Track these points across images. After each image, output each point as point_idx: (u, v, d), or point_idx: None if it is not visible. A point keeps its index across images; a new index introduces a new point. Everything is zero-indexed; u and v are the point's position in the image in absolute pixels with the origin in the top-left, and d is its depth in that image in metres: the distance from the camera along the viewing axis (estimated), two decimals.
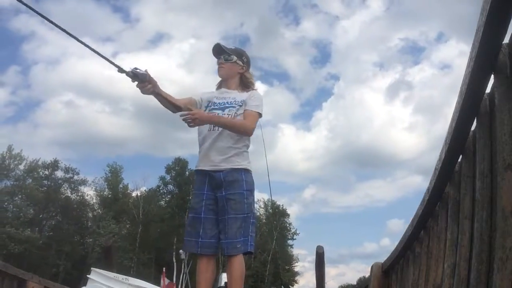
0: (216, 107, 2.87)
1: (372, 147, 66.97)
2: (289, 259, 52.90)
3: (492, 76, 1.42)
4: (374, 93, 72.86)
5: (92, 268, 3.48)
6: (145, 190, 44.80)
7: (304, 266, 56.17)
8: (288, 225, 53.17)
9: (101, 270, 3.53)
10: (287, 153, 69.21)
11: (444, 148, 1.85)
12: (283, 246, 51.19)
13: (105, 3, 77.17)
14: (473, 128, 1.68)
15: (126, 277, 3.55)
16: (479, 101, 1.55)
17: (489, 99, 1.52)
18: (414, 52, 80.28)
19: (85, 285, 3.38)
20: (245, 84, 2.95)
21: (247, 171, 2.75)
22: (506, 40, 1.32)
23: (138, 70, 2.54)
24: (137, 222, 41.43)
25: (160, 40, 79.46)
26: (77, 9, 61.10)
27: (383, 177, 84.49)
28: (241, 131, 2.76)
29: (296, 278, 53.37)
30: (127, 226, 42.06)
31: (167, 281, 8.08)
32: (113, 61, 2.50)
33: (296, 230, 54.09)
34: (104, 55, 2.49)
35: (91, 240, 39.69)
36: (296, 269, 54.17)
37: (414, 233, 2.66)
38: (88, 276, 3.41)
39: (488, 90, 1.51)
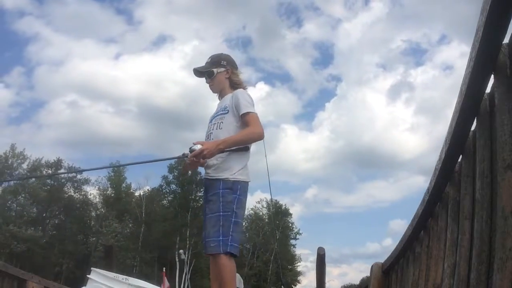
0: (210, 121, 2.95)
1: (374, 147, 67.19)
2: (292, 259, 52.92)
3: (492, 76, 1.42)
4: (376, 94, 73.21)
5: (92, 268, 3.49)
6: (148, 190, 44.94)
7: (307, 266, 56.25)
8: (290, 224, 53.23)
9: (101, 270, 3.54)
10: (290, 153, 69.41)
11: (444, 148, 1.85)
12: (286, 246, 51.22)
13: (109, 5, 77.82)
14: (473, 128, 1.68)
15: (126, 277, 3.56)
16: (479, 101, 1.55)
17: (489, 99, 1.51)
18: (416, 54, 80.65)
19: (85, 285, 3.39)
20: (234, 87, 2.95)
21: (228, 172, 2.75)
22: (506, 40, 1.32)
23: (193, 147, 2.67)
24: (140, 221, 41.51)
25: (163, 42, 79.82)
26: (80, 11, 61.39)
27: (385, 177, 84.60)
28: (253, 139, 2.77)
29: (298, 277, 53.46)
30: (130, 225, 42.13)
31: (166, 284, 8.07)
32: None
33: (299, 230, 54.20)
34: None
35: (94, 239, 39.79)
36: (298, 268, 54.32)
37: (414, 233, 2.65)
38: (88, 276, 3.41)
39: (488, 90, 1.51)
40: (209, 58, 3.00)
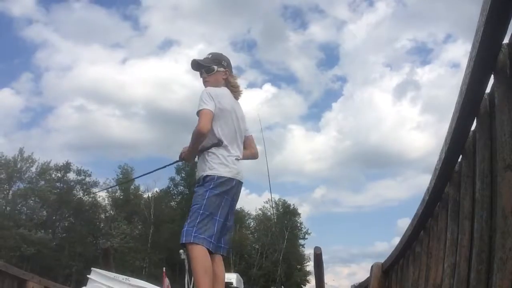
0: None
1: (382, 147, 67.18)
2: (301, 259, 52.82)
3: (492, 76, 1.42)
4: (383, 94, 73.09)
5: (92, 268, 3.50)
6: (156, 191, 45.08)
7: None
8: (299, 224, 53.16)
9: (102, 270, 3.55)
10: (297, 154, 69.42)
11: (444, 148, 1.84)
12: (295, 246, 51.15)
13: (115, 11, 78.62)
14: (473, 128, 1.68)
15: (126, 277, 3.57)
16: (479, 101, 1.55)
17: (489, 99, 1.51)
18: (421, 53, 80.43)
19: (85, 285, 3.41)
20: (230, 89, 2.93)
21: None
22: (506, 40, 1.32)
23: None
24: (148, 223, 41.65)
25: (169, 46, 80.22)
26: (87, 17, 61.92)
27: (393, 176, 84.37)
28: (195, 137, 2.73)
29: (308, 277, 53.29)
30: (139, 227, 42.30)
31: (166, 282, 8.16)
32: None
33: (307, 230, 54.12)
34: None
35: (103, 241, 39.97)
36: (307, 268, 54.10)
37: (414, 233, 2.65)
38: (88, 276, 3.43)
39: (488, 90, 1.51)
40: (210, 54, 2.98)
